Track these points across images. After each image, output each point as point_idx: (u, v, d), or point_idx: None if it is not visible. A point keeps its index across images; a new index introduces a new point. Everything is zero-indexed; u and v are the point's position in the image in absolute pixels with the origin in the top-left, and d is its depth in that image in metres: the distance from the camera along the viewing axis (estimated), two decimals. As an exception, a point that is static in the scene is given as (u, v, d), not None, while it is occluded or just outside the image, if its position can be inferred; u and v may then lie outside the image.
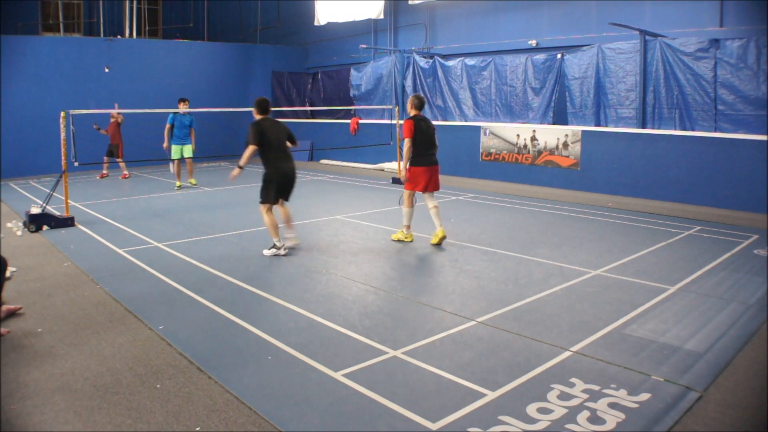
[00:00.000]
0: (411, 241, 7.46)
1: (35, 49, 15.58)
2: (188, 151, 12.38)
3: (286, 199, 7.07)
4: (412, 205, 7.33)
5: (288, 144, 6.95)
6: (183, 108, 12.13)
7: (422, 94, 8.17)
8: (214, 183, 13.34)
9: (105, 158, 13.87)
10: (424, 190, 7.25)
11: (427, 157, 7.21)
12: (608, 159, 11.50)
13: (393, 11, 17.01)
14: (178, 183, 12.66)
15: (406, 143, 7.01)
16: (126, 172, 14.53)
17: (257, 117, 6.82)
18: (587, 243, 7.43)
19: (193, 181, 13.04)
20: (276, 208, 7.02)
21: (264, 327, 4.65)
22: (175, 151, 12.33)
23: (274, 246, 6.87)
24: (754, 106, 9.81)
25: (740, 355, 4.13)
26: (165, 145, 12.28)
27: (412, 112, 7.25)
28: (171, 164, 12.80)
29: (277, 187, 6.81)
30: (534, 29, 13.90)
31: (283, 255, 6.81)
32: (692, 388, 3.64)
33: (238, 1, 21.67)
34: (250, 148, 6.58)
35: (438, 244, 7.22)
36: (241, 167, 6.70)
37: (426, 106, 15.43)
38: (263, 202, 6.84)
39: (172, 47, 18.39)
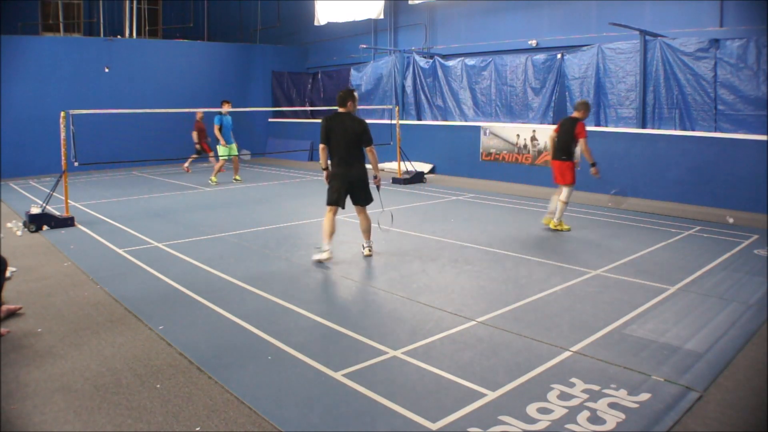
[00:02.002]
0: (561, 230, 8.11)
1: (35, 49, 15.58)
2: (234, 149, 12.99)
3: (360, 204, 6.56)
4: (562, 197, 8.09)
5: (361, 145, 6.36)
6: (226, 108, 12.59)
7: (587, 100, 8.55)
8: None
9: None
10: (555, 179, 8.22)
11: (555, 152, 8.16)
12: (608, 159, 11.49)
13: (393, 11, 17.00)
14: (213, 179, 13.03)
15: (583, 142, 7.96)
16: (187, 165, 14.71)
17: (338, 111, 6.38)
18: (587, 243, 7.43)
19: (238, 177, 13.54)
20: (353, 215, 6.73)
21: (264, 327, 4.65)
22: (224, 151, 12.72)
23: (319, 248, 6.37)
24: (754, 106, 9.80)
25: (740, 355, 4.13)
26: (224, 143, 12.63)
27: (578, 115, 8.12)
28: (228, 160, 13.29)
29: (338, 190, 6.33)
30: (534, 29, 13.89)
31: (325, 260, 6.31)
32: (692, 388, 3.64)
33: (238, 1, 21.68)
34: (320, 147, 6.33)
35: (549, 227, 8.12)
36: (324, 169, 6.38)
37: (427, 106, 15.51)
38: (326, 203, 6.48)
39: (172, 47, 18.39)
